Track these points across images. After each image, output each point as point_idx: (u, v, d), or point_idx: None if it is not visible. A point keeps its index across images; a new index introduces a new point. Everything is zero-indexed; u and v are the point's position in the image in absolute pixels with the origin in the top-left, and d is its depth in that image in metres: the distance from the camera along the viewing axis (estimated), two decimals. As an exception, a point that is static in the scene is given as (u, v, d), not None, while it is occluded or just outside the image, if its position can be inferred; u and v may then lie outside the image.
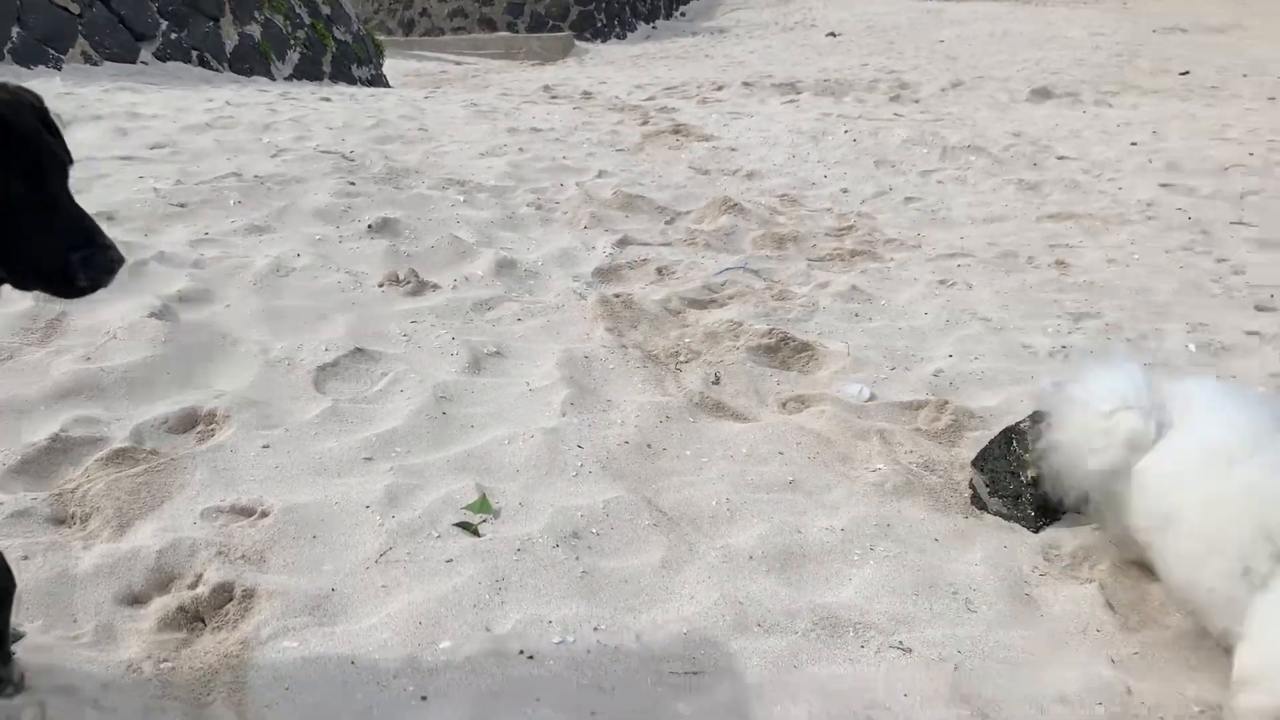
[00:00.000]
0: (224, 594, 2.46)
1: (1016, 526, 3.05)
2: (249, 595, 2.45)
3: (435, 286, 4.57)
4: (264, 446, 3.11)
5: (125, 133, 6.83)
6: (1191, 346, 4.41)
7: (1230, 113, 9.63)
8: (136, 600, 2.46)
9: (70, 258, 1.83)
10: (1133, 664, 2.42)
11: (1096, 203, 6.64)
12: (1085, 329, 4.58)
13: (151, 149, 6.48)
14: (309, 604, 2.42)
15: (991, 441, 3.16)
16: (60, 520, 2.73)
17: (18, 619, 2.21)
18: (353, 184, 6.06)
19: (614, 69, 18.48)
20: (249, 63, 11.54)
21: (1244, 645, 1.69)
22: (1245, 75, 14.29)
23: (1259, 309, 4.89)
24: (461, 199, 6.00)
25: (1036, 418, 3.11)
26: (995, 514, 3.10)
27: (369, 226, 5.28)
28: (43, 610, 2.37)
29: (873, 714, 2.21)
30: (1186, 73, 14.95)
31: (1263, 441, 2.00)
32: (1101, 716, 2.24)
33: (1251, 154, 7.92)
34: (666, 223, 5.83)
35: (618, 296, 4.56)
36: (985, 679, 2.34)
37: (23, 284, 1.90)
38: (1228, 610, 1.98)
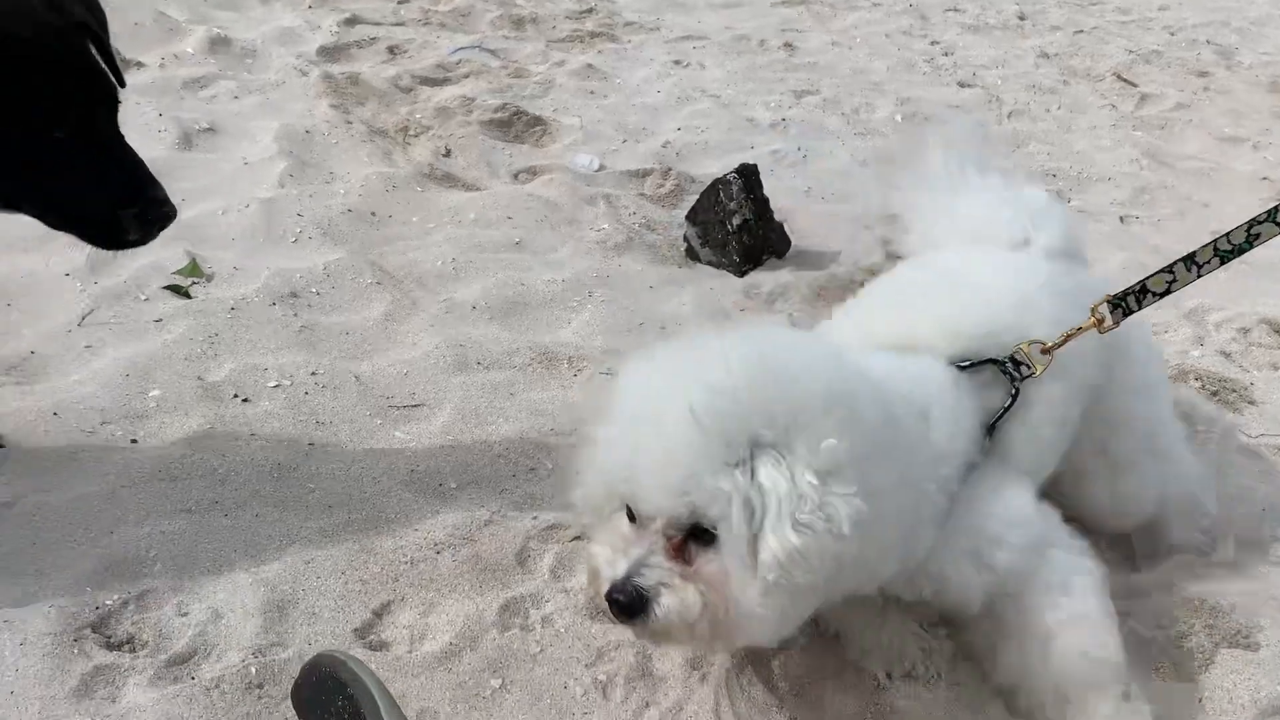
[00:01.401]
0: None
1: (724, 272, 3.29)
2: (-66, 365, 2.33)
3: (140, 65, 4.23)
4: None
5: None
6: (898, 118, 4.76)
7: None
8: None
9: (122, 213, 1.58)
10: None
11: (828, -11, 6.86)
12: (805, 104, 4.83)
13: None
14: (4, 366, 2.33)
15: (702, 194, 3.34)
16: None
17: None
18: (39, -42, 5.40)
19: None
20: None
21: None
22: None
23: (961, 85, 5.30)
24: (170, -24, 5.48)
25: (743, 170, 3.32)
26: (706, 263, 3.32)
27: (60, 3, 4.76)
28: None
29: (577, 428, 2.40)
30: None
31: None
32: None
33: (972, -53, 8.34)
34: (399, 2, 5.57)
35: (344, 74, 4.38)
36: (682, 393, 2.58)
37: (60, 227, 1.62)
38: None
